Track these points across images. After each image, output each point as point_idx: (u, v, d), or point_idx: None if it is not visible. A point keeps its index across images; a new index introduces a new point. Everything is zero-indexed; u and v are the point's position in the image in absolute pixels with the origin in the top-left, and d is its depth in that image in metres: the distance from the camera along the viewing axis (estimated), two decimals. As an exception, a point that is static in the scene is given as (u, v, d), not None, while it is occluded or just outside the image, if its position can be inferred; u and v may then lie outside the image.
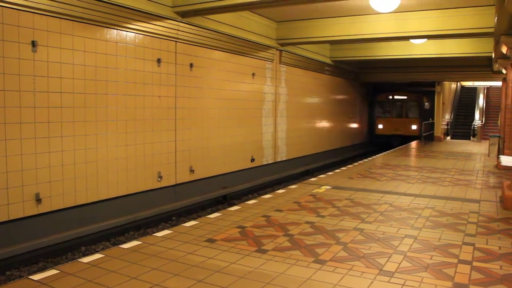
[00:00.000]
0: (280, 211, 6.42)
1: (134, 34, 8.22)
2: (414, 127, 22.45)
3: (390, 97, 23.11)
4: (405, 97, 22.90)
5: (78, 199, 7.35)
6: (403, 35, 11.28)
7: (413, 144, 19.67)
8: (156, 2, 8.44)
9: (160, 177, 9.03)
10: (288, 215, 6.18)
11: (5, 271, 6.05)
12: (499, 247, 4.78)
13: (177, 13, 8.87)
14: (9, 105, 6.22)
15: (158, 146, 8.94)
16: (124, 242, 6.11)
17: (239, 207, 6.71)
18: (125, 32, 8.03)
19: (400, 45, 14.78)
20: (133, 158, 8.36)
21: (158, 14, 8.49)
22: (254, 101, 12.39)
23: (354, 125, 21.60)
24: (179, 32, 9.18)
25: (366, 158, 14.65)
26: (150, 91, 8.67)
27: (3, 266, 6.06)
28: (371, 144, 23.40)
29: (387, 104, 23.26)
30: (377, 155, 14.79)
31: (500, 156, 12.07)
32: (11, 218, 6.34)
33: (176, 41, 9.25)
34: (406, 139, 21.79)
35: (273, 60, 13.09)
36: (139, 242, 4.89)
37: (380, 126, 22.91)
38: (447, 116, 25.25)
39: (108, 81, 7.76)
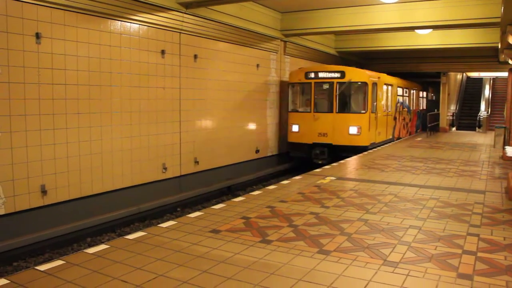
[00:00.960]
0: (285, 202, 6.43)
1: (138, 25, 8.20)
2: (354, 130, 12.46)
3: (312, 75, 12.92)
4: (338, 75, 12.62)
5: (83, 190, 7.40)
6: (408, 25, 11.21)
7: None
8: (159, -7, 8.43)
9: (165, 168, 9.05)
10: (292, 206, 6.18)
11: (12, 262, 6.13)
12: (504, 238, 4.77)
13: (181, 4, 8.84)
14: (13, 97, 6.24)
15: (162, 138, 8.96)
16: (129, 233, 6.15)
17: (244, 198, 6.71)
18: (129, 23, 8.02)
19: (405, 36, 14.70)
20: (137, 149, 8.39)
21: (162, 5, 8.46)
22: (259, 92, 12.37)
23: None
24: (183, 24, 9.15)
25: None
26: (154, 82, 8.67)
27: (10, 257, 6.13)
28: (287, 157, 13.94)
29: (307, 89, 13.16)
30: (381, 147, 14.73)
31: (506, 147, 12.01)
32: (17, 209, 6.40)
33: (180, 33, 9.22)
34: (341, 152, 12.36)
35: (277, 51, 13.04)
36: (144, 233, 4.92)
37: (295, 129, 13.07)
38: (453, 107, 25.10)
39: (113, 72, 7.76)
